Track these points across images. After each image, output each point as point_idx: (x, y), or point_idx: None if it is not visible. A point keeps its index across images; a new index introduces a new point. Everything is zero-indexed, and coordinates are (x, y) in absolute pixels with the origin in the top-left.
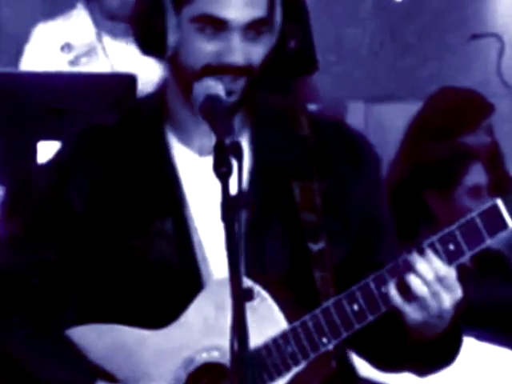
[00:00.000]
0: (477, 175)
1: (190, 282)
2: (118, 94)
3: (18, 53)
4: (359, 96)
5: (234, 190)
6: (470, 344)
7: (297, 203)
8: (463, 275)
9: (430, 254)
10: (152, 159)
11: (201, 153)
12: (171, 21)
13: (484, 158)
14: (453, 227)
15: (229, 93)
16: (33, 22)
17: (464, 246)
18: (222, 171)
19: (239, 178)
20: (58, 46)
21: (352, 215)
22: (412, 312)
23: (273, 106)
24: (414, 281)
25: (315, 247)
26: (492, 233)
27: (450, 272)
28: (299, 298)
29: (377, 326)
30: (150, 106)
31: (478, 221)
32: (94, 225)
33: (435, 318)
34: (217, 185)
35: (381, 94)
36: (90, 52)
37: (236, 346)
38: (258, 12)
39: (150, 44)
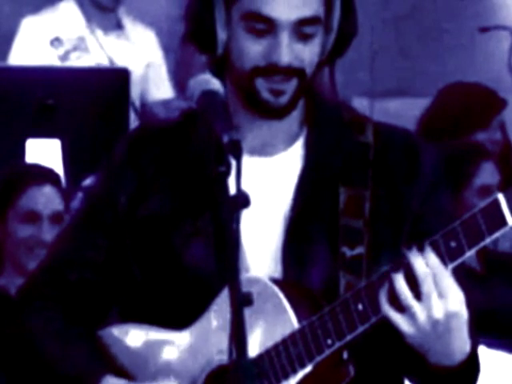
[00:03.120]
0: (488, 174)
1: (225, 283)
2: (111, 88)
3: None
4: (363, 92)
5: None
6: (479, 351)
7: (340, 209)
8: (472, 280)
9: (429, 250)
10: (200, 158)
11: (251, 153)
12: (221, 17)
13: (496, 156)
14: (456, 223)
15: (278, 93)
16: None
17: (464, 244)
18: (219, 171)
19: (238, 178)
20: (47, 40)
21: (403, 226)
22: (400, 321)
23: (337, 111)
24: (398, 281)
25: (350, 252)
26: (491, 230)
27: (446, 276)
28: (324, 304)
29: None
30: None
31: (479, 217)
32: (138, 222)
33: (426, 332)
34: (262, 186)
35: (386, 89)
36: (80, 46)
37: (234, 353)
38: (308, 11)
39: (202, 40)
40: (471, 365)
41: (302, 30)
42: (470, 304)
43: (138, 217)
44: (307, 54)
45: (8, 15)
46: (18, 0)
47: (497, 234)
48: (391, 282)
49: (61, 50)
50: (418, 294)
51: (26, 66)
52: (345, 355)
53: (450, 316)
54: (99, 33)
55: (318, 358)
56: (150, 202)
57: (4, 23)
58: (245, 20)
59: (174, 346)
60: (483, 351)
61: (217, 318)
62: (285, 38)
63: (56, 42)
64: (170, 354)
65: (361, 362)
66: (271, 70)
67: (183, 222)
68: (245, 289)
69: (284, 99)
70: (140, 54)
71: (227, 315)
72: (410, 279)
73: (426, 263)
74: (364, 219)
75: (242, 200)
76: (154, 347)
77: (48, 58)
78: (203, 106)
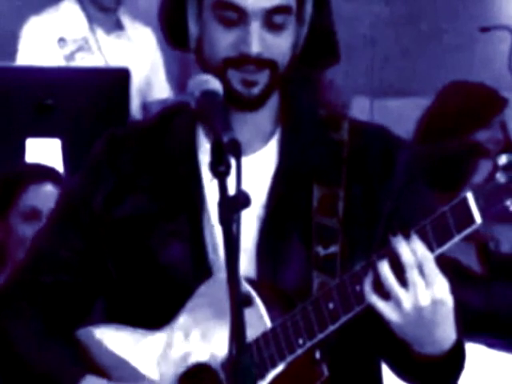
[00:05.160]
0: (487, 173)
1: (202, 283)
2: (111, 88)
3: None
4: (364, 91)
5: (232, 190)
6: (480, 351)
7: (314, 207)
8: (470, 281)
9: (415, 238)
10: (177, 159)
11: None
12: (192, 11)
13: (495, 155)
14: (426, 222)
15: (250, 84)
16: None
17: (433, 243)
18: (219, 170)
19: (238, 178)
20: (52, 41)
21: (377, 225)
22: (385, 310)
23: (313, 108)
24: (383, 268)
25: (323, 251)
26: (460, 229)
27: (432, 263)
28: (297, 303)
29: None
30: (186, 106)
31: (448, 215)
32: (114, 223)
33: (411, 320)
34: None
35: (386, 89)
36: (83, 47)
37: (234, 352)
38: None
39: (175, 36)
40: (456, 353)
41: (272, 19)
42: (471, 305)
43: (115, 217)
44: (278, 44)
45: (6, 15)
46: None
47: (466, 233)
48: (376, 269)
49: (66, 50)
50: (403, 281)
51: (25, 66)
52: (317, 355)
53: (436, 303)
54: (100, 33)
55: (290, 358)
56: (127, 202)
57: (3, 23)
58: (215, 9)
59: (151, 345)
60: (484, 351)
61: (191, 317)
62: (255, 27)
63: (61, 42)
64: (146, 353)
65: (335, 362)
66: (242, 60)
67: (160, 223)
68: (219, 289)
69: (256, 90)
70: (141, 54)
71: (200, 314)
72: (395, 266)
73: (412, 250)
74: (338, 218)
75: (243, 200)
76: (130, 347)
77: (54, 58)
78: (203, 105)
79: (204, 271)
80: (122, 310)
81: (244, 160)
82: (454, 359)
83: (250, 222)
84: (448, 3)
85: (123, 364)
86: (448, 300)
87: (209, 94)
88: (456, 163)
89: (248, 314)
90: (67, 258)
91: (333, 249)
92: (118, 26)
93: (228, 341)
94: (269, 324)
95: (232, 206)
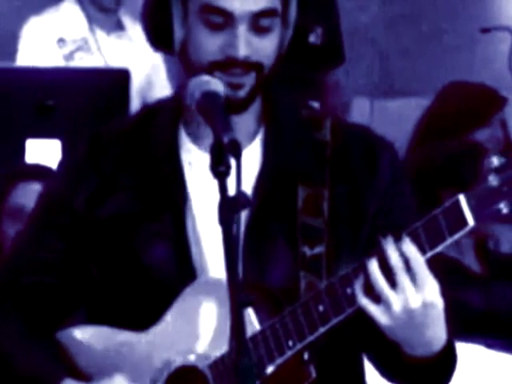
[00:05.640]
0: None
1: (186, 284)
2: (111, 88)
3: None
4: (364, 91)
5: (232, 190)
6: (480, 352)
7: (299, 207)
8: (470, 281)
9: (406, 240)
10: (159, 158)
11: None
12: (177, 13)
13: (496, 153)
14: (417, 224)
15: (236, 87)
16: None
17: (425, 245)
18: (219, 171)
19: (238, 178)
20: (53, 40)
21: (362, 224)
22: (376, 313)
23: (295, 109)
24: (374, 271)
25: (310, 252)
26: (452, 231)
27: (423, 266)
28: (284, 304)
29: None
30: (167, 105)
31: (440, 218)
32: (96, 224)
33: (402, 322)
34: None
35: (386, 90)
36: (82, 47)
37: (234, 354)
38: (264, 3)
39: (159, 38)
40: (447, 354)
41: (259, 22)
42: (471, 305)
43: (98, 217)
44: (265, 47)
45: (6, 15)
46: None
47: (458, 235)
48: (366, 272)
49: (65, 50)
50: (393, 283)
51: (26, 67)
52: (306, 356)
53: (426, 306)
54: (101, 33)
55: (279, 360)
56: (110, 202)
57: (3, 23)
58: (202, 13)
59: (134, 347)
60: (483, 352)
61: (177, 319)
62: (242, 31)
63: (61, 42)
64: (128, 355)
65: (322, 363)
66: (229, 63)
67: (143, 223)
68: (205, 291)
69: (242, 93)
70: (141, 55)
71: (186, 316)
72: (385, 269)
73: (401, 253)
74: (323, 218)
75: (243, 201)
76: (112, 348)
77: (54, 58)
78: (203, 106)
79: (188, 271)
80: (103, 310)
81: None
82: (445, 360)
83: (234, 226)
84: (448, 4)
85: (106, 365)
86: (439, 302)
87: (209, 95)
88: (458, 163)
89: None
90: (48, 259)
91: (319, 249)
92: (119, 27)
93: (228, 342)
94: (257, 326)
95: (232, 206)
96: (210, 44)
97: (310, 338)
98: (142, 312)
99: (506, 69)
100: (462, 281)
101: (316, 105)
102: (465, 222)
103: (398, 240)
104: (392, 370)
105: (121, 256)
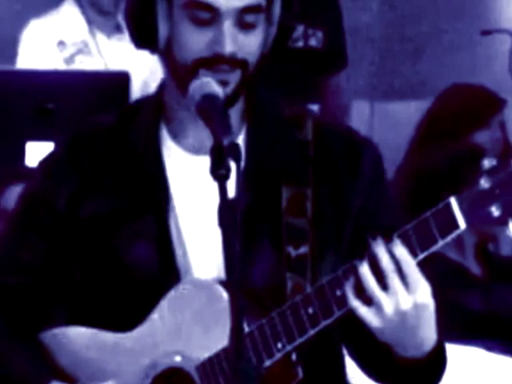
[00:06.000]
0: None
1: (170, 285)
2: (111, 91)
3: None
4: (364, 91)
5: (231, 193)
6: (479, 355)
7: (283, 207)
8: (470, 284)
9: (397, 242)
10: (141, 157)
11: (192, 151)
12: (162, 9)
13: (496, 154)
14: (408, 226)
15: (222, 83)
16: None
17: (416, 248)
18: (219, 174)
19: (238, 181)
20: (53, 43)
21: (346, 223)
22: (367, 315)
23: (277, 108)
24: (365, 273)
25: (294, 252)
26: (444, 234)
27: (414, 268)
28: (271, 305)
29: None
30: (148, 104)
31: (431, 220)
32: (77, 223)
33: (393, 325)
34: (205, 185)
35: (386, 92)
36: (83, 50)
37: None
38: None
39: (143, 36)
40: (438, 355)
41: (244, 18)
42: (470, 307)
43: (80, 217)
44: (250, 43)
45: (6, 19)
46: (17, 2)
47: (450, 238)
48: (357, 274)
49: (66, 53)
50: (385, 285)
51: (26, 70)
52: (293, 357)
53: (418, 308)
54: (101, 36)
55: (268, 362)
56: (91, 202)
57: (3, 27)
58: (187, 9)
59: (118, 348)
60: (483, 355)
61: (163, 320)
62: (228, 27)
63: (61, 45)
64: (114, 356)
65: (308, 364)
66: (216, 60)
67: (126, 222)
68: (191, 292)
69: (228, 90)
70: (141, 57)
71: (172, 317)
72: (376, 271)
73: (392, 255)
74: (307, 218)
75: (242, 204)
76: (97, 350)
77: (54, 61)
78: (203, 109)
79: (171, 270)
80: (85, 310)
81: (209, 160)
82: (435, 360)
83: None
84: (448, 4)
85: (91, 366)
86: (430, 304)
87: (209, 98)
88: (458, 165)
89: (223, 317)
90: (29, 259)
91: (303, 249)
92: (118, 30)
93: (229, 345)
94: (244, 326)
95: (231, 209)
96: (196, 40)
97: (300, 340)
98: (124, 312)
99: (506, 71)
100: (463, 283)
101: (316, 108)
102: (456, 225)
103: (388, 242)
104: (381, 371)
105: (103, 255)
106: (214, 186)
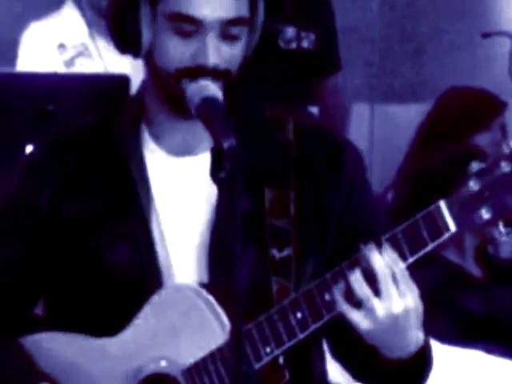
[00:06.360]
0: None
1: (152, 288)
2: (110, 95)
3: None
4: (364, 95)
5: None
6: (479, 357)
7: (266, 209)
8: (470, 286)
9: (387, 248)
10: (123, 159)
11: (174, 153)
12: (146, 17)
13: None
14: (396, 230)
15: None
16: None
17: (406, 251)
18: (219, 177)
19: (238, 184)
20: (53, 45)
21: (329, 224)
22: (358, 319)
23: (256, 110)
24: (356, 280)
25: (278, 254)
26: (434, 237)
27: (405, 272)
28: (257, 308)
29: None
30: (129, 105)
31: (420, 224)
32: (59, 224)
33: (384, 328)
34: (186, 186)
35: (386, 92)
36: (83, 52)
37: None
38: (235, 11)
39: (125, 41)
40: (423, 355)
41: (228, 30)
42: (470, 310)
43: (61, 217)
44: (233, 55)
45: (6, 21)
46: (17, 5)
47: (440, 241)
48: (347, 279)
49: (66, 56)
50: (376, 290)
51: (26, 72)
52: (281, 360)
53: (408, 311)
54: (100, 39)
55: (257, 366)
56: (73, 202)
57: (3, 29)
58: (171, 20)
59: (102, 353)
60: (483, 357)
61: (147, 325)
62: (212, 39)
63: (61, 48)
64: (97, 361)
65: (293, 366)
66: (198, 71)
67: (108, 223)
68: (176, 297)
69: None
70: (141, 60)
71: (157, 322)
72: (367, 276)
73: (385, 260)
74: (290, 219)
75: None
76: (80, 355)
77: (54, 63)
78: (203, 112)
79: (154, 273)
80: (66, 312)
81: (192, 160)
82: (421, 360)
83: (200, 225)
84: (448, 5)
85: (74, 372)
86: (419, 306)
87: (209, 101)
88: (458, 167)
89: (208, 322)
90: (10, 260)
91: (287, 251)
92: None
93: (230, 349)
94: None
95: (231, 212)
96: (179, 51)
97: (288, 345)
98: (106, 313)
99: (506, 74)
100: (463, 285)
101: (315, 110)
102: (446, 228)
103: (379, 247)
104: (366, 372)
105: (85, 256)
106: (196, 187)
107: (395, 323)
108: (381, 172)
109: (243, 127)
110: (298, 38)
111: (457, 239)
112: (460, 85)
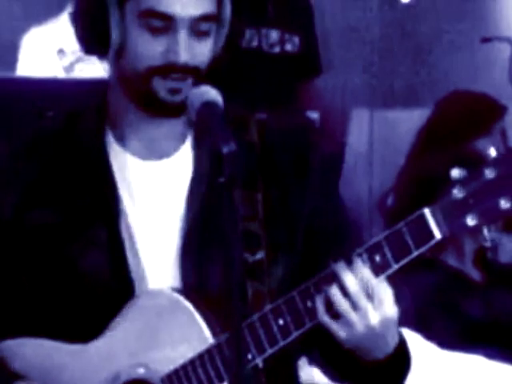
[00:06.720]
0: None
1: (123, 293)
2: None
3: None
4: (363, 102)
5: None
6: (479, 362)
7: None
8: (470, 290)
9: (358, 263)
10: (88, 163)
11: (140, 156)
12: (114, 15)
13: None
14: (380, 237)
15: (175, 91)
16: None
17: (390, 258)
18: (219, 181)
19: (238, 188)
20: (53, 51)
21: (297, 226)
22: (337, 330)
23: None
24: (335, 294)
25: (251, 258)
26: (419, 244)
27: (379, 285)
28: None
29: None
30: (91, 107)
31: (404, 231)
32: (25, 232)
33: (363, 337)
34: (155, 190)
35: (387, 99)
36: (82, 58)
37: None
38: (205, 7)
39: (93, 41)
40: (400, 354)
41: (198, 27)
42: (470, 314)
43: (28, 226)
44: (202, 51)
45: (6, 26)
46: (17, 9)
47: (425, 248)
48: (327, 293)
49: (65, 61)
50: (353, 304)
51: (26, 77)
52: (260, 365)
53: (386, 320)
54: None
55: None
56: (40, 210)
57: (3, 34)
58: (141, 17)
59: (79, 360)
60: (483, 362)
61: (124, 332)
62: (183, 35)
63: (60, 53)
64: (73, 369)
65: (269, 370)
66: (169, 68)
67: (76, 230)
68: (150, 303)
69: (180, 97)
70: None
71: (134, 328)
72: (344, 290)
73: (355, 277)
74: (259, 222)
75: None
76: (56, 362)
77: (54, 69)
78: (203, 116)
79: (124, 279)
80: (36, 321)
81: (160, 163)
82: (398, 359)
83: (171, 229)
84: (447, 13)
85: (49, 379)
86: (395, 312)
87: (209, 105)
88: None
89: (187, 328)
90: None
91: (260, 255)
92: None
93: (231, 354)
94: (209, 336)
95: (232, 215)
96: (150, 49)
97: (270, 352)
98: (78, 321)
99: (506, 79)
100: (463, 290)
101: (315, 115)
102: (431, 235)
103: (349, 263)
104: (343, 373)
105: (54, 264)
106: (164, 191)
107: (373, 333)
108: (381, 176)
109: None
110: (282, 41)
111: (456, 244)
112: (460, 87)
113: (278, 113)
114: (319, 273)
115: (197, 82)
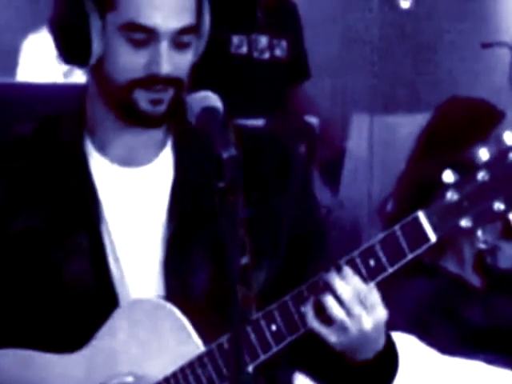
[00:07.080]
0: None
1: (106, 301)
2: None
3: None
4: (364, 104)
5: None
6: (479, 368)
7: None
8: (470, 296)
9: (348, 271)
10: (68, 170)
11: (120, 163)
12: (95, 26)
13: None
14: (374, 241)
15: (157, 102)
16: (21, 34)
17: (385, 262)
18: (219, 187)
19: (238, 193)
20: (52, 56)
21: (279, 230)
22: (329, 335)
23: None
24: (329, 302)
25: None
26: (414, 247)
27: (370, 291)
28: (221, 320)
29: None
30: (69, 115)
31: (399, 235)
32: (8, 240)
33: (356, 341)
34: (136, 197)
35: (386, 105)
36: None
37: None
38: (186, 19)
39: (73, 51)
40: (388, 352)
41: (180, 39)
42: (470, 320)
43: (9, 232)
44: (184, 62)
45: (6, 31)
46: (16, 15)
47: (419, 251)
48: (320, 298)
49: (65, 67)
50: (347, 310)
51: (25, 83)
52: (250, 369)
53: (378, 323)
54: None
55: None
56: (20, 217)
57: (3, 38)
58: (123, 30)
59: (65, 370)
60: (483, 368)
61: (110, 341)
62: (165, 47)
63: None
64: (59, 379)
65: (258, 373)
66: (151, 80)
67: (57, 237)
68: (136, 312)
69: (162, 108)
70: None
71: (120, 337)
72: (337, 298)
73: (347, 285)
74: (243, 227)
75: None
76: (38, 371)
77: (53, 74)
78: (203, 122)
79: (107, 286)
80: (17, 330)
81: (140, 170)
82: (386, 357)
83: (153, 236)
84: (447, 18)
85: None
86: (385, 314)
87: (209, 111)
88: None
89: (175, 335)
90: None
91: (245, 260)
92: None
93: (230, 358)
94: (199, 343)
95: (232, 221)
96: (132, 61)
97: (263, 358)
98: (62, 330)
99: (506, 84)
100: (463, 295)
101: (315, 120)
102: (426, 239)
103: (339, 272)
104: (331, 374)
105: (35, 272)
106: (145, 197)
107: (366, 336)
108: (381, 180)
109: (187, 134)
110: (271, 46)
111: (455, 249)
112: (461, 87)
113: (277, 118)
114: (304, 277)
115: (178, 93)
